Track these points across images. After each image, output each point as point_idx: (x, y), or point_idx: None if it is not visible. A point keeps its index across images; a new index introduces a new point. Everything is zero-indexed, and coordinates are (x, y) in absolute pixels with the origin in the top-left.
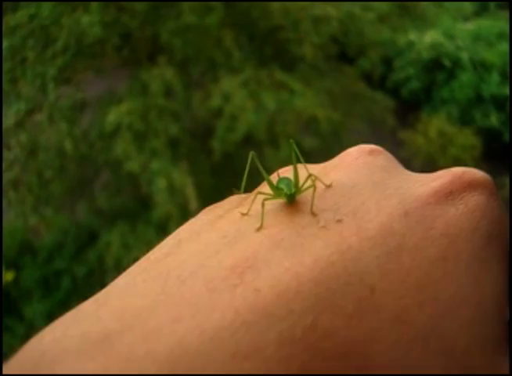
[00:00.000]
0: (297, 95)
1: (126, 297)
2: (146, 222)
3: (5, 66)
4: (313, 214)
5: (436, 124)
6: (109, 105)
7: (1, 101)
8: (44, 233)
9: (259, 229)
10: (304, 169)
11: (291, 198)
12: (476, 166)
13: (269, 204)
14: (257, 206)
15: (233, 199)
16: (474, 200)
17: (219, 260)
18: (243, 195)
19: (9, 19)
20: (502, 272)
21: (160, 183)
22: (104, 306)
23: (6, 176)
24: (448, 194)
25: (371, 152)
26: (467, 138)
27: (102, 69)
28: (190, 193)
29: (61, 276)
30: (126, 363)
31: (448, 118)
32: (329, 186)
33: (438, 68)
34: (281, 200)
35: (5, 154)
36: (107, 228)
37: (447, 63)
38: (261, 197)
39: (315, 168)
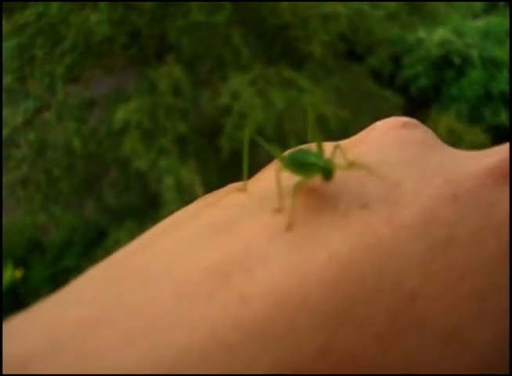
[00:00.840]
0: (306, 93)
1: (67, 307)
2: (154, 220)
3: (14, 64)
4: (331, 197)
5: (445, 121)
6: (117, 103)
7: (1, 103)
8: (52, 230)
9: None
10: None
11: (329, 174)
12: None
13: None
14: (262, 185)
15: (232, 185)
16: None
17: (197, 257)
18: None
19: (18, 18)
20: None
21: (169, 181)
22: (37, 319)
23: (15, 174)
24: (505, 175)
25: (404, 125)
26: (477, 135)
27: (111, 67)
28: (198, 191)
29: (70, 274)
30: None
31: (457, 116)
32: (351, 164)
33: (447, 65)
34: (304, 181)
35: (14, 152)
36: (116, 226)
37: (456, 60)
38: (267, 177)
39: (330, 146)
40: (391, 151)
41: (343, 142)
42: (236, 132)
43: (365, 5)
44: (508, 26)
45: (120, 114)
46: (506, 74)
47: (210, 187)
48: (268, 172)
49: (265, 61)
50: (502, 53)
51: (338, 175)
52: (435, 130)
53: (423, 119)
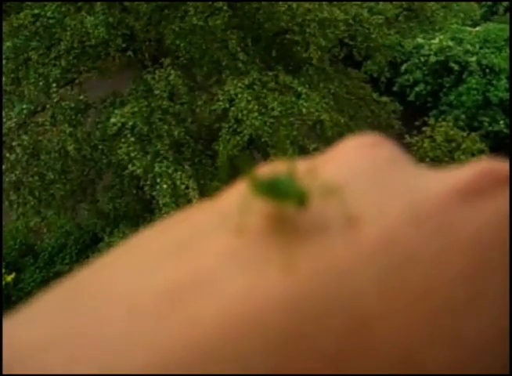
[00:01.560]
0: (303, 99)
1: (19, 327)
2: (149, 224)
3: (8, 66)
4: (291, 218)
5: (443, 128)
6: (112, 107)
7: (1, 103)
8: (45, 234)
9: (226, 231)
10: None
11: (303, 199)
12: None
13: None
14: (227, 203)
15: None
16: (507, 200)
17: (151, 279)
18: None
19: (13, 19)
20: None
21: (164, 186)
22: None
23: (8, 178)
24: (477, 192)
25: (373, 143)
26: (475, 143)
27: (106, 70)
28: (194, 195)
29: (62, 278)
30: None
31: (455, 123)
32: (322, 190)
33: (446, 72)
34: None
35: (7, 156)
36: (110, 230)
37: (455, 67)
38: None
39: (301, 164)
40: (357, 171)
41: (312, 160)
42: (232, 137)
43: (364, 11)
44: (508, 33)
45: (116, 118)
46: (504, 81)
47: (205, 192)
48: (235, 190)
49: (261, 66)
50: (501, 60)
51: None
52: (433, 137)
53: (421, 126)
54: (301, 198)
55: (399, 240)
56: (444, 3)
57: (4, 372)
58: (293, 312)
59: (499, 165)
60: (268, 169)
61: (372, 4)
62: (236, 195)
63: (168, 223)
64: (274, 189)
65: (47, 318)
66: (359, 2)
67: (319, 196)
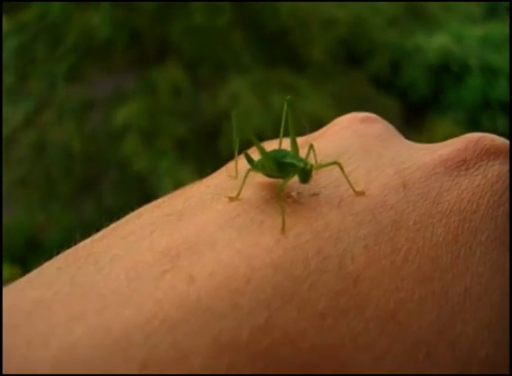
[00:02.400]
0: (305, 97)
1: (26, 288)
2: None
3: (15, 63)
4: (283, 187)
5: (443, 128)
6: (117, 104)
7: (1, 103)
8: (50, 230)
9: (218, 202)
10: (286, 143)
11: (308, 175)
12: None
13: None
14: (222, 177)
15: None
16: (495, 170)
17: (151, 242)
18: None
19: (19, 17)
20: None
21: (168, 183)
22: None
23: (14, 174)
24: (461, 163)
25: (364, 119)
26: None
27: (111, 68)
28: None
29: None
30: None
31: (455, 122)
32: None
33: (446, 72)
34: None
35: (14, 152)
36: None
37: (455, 67)
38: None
39: (300, 142)
40: (348, 144)
41: (306, 137)
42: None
43: (365, 11)
44: (507, 33)
45: (120, 115)
46: (504, 81)
47: None
48: (228, 168)
49: (264, 65)
50: (500, 61)
51: None
52: (433, 136)
53: (420, 125)
54: (305, 173)
55: (386, 205)
56: (444, 3)
57: (8, 330)
58: (285, 271)
59: (484, 138)
60: (268, 147)
61: (373, 3)
62: (230, 172)
63: (165, 198)
64: (281, 165)
65: (52, 278)
66: (361, 2)
67: (327, 162)
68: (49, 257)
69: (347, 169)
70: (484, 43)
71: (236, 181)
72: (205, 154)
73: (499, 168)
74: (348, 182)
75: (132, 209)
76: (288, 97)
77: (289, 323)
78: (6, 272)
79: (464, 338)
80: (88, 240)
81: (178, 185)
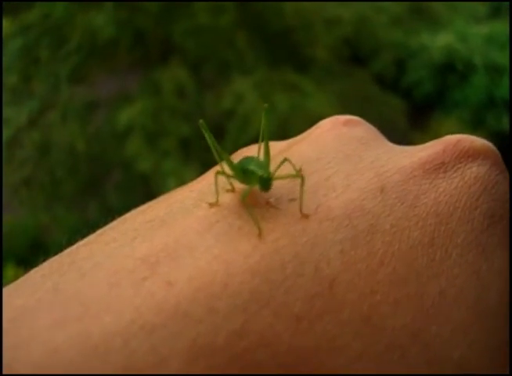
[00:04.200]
0: (309, 97)
1: (12, 295)
2: None
3: (19, 64)
4: (263, 193)
5: (448, 126)
6: (121, 105)
7: (1, 104)
8: (55, 231)
9: (197, 208)
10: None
11: (267, 184)
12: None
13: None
14: (204, 183)
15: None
16: (473, 172)
17: (132, 249)
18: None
19: (23, 18)
20: (507, 261)
21: (172, 183)
22: None
23: (18, 174)
24: (439, 166)
25: (346, 123)
26: None
27: (115, 69)
28: None
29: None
30: None
31: (460, 121)
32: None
33: (451, 71)
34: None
35: (18, 152)
36: None
37: (459, 65)
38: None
39: (278, 145)
40: (328, 148)
41: (288, 141)
42: (239, 135)
43: (370, 10)
44: (509, 28)
45: (124, 116)
46: (508, 79)
47: None
48: (212, 173)
49: (268, 65)
50: (505, 59)
51: (273, 171)
52: (438, 135)
53: (425, 124)
54: (264, 182)
55: (363, 209)
56: (449, 2)
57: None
58: (262, 275)
59: (463, 140)
60: (245, 152)
61: (377, 3)
62: (213, 176)
63: (151, 203)
64: (243, 172)
65: (36, 285)
66: (365, 1)
67: (286, 169)
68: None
69: (326, 173)
70: (489, 42)
71: (217, 185)
72: (209, 154)
73: (477, 169)
74: (301, 200)
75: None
76: (265, 105)
77: (265, 326)
78: (11, 272)
79: (439, 339)
80: (73, 247)
81: (182, 185)
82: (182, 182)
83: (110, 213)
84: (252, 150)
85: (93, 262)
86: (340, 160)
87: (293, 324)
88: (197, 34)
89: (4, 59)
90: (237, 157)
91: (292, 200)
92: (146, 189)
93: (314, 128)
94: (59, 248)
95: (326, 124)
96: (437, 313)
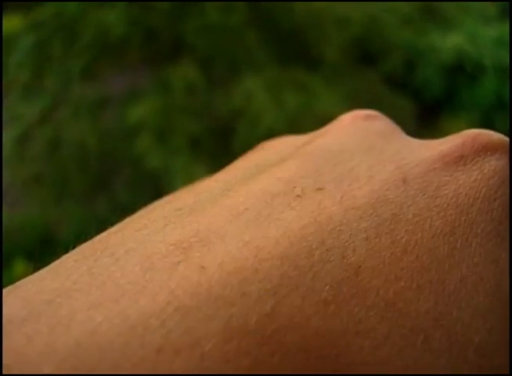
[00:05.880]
0: (319, 97)
1: (46, 278)
2: None
3: (31, 61)
4: (288, 181)
5: (456, 128)
6: (131, 102)
7: (1, 104)
8: (64, 226)
9: (222, 197)
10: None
11: None
12: None
13: (242, 170)
14: (232, 172)
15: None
16: (491, 165)
17: (164, 235)
18: None
19: (35, 15)
20: None
21: (181, 181)
22: (18, 291)
23: (29, 170)
24: (459, 159)
25: (367, 117)
26: None
27: (126, 66)
28: None
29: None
30: (17, 358)
31: (468, 123)
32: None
33: (460, 72)
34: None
35: (29, 149)
36: None
37: (469, 67)
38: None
39: (301, 138)
40: (351, 140)
41: (311, 134)
42: (248, 134)
43: (379, 10)
44: (509, 29)
45: (135, 113)
46: None
47: None
48: (240, 162)
49: (278, 63)
50: None
51: (297, 161)
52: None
53: (434, 125)
54: None
55: (386, 199)
56: (459, 2)
57: (26, 321)
58: (290, 261)
59: (482, 134)
60: (267, 146)
61: (388, 3)
62: (241, 166)
63: (177, 194)
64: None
65: (71, 269)
66: (375, 1)
67: (311, 159)
68: (66, 251)
69: (350, 164)
70: (500, 43)
71: (243, 176)
72: (219, 152)
73: (495, 163)
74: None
75: (146, 206)
76: None
77: (294, 310)
78: (20, 267)
79: (460, 324)
80: (103, 234)
81: (192, 183)
82: (191, 179)
83: (120, 209)
84: (272, 144)
85: (126, 247)
86: (362, 152)
87: (322, 308)
88: (208, 32)
89: (16, 55)
90: (259, 150)
91: (318, 188)
92: (155, 187)
93: (335, 122)
94: (70, 244)
95: (346, 118)
96: (458, 299)
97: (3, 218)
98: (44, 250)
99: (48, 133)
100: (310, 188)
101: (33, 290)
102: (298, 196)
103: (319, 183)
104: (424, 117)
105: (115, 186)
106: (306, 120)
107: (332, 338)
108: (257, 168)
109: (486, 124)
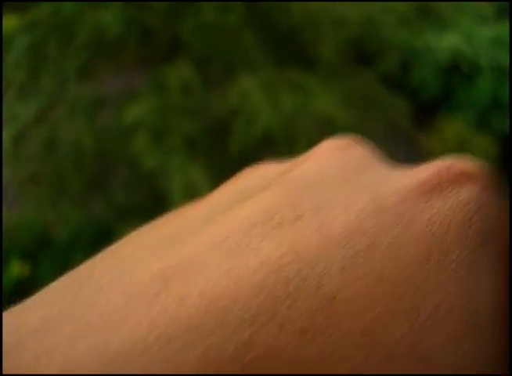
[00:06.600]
0: (315, 97)
1: (35, 306)
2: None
3: (26, 60)
4: (268, 209)
5: (453, 128)
6: (127, 102)
7: (1, 105)
8: (60, 226)
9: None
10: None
11: None
12: (493, 172)
13: (225, 198)
14: (214, 199)
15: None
16: (466, 193)
17: (148, 263)
18: None
19: (31, 15)
20: (501, 279)
21: (177, 181)
22: (8, 317)
23: (25, 170)
24: (434, 187)
25: (347, 145)
26: (484, 143)
27: (122, 66)
28: (207, 190)
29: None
30: None
31: (465, 123)
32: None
33: (456, 72)
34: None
35: (25, 148)
36: (123, 223)
37: (465, 67)
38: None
39: (282, 166)
40: (330, 169)
41: (292, 161)
42: (245, 134)
43: (376, 10)
44: (508, 30)
45: (131, 113)
46: None
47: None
48: (225, 188)
49: (275, 64)
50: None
51: (278, 190)
52: (443, 136)
53: (430, 125)
54: None
55: (362, 229)
56: (456, 2)
57: (13, 352)
58: (268, 291)
59: (457, 162)
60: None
61: (384, 3)
62: (226, 193)
63: (164, 219)
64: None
65: (57, 297)
66: (372, 2)
67: (290, 187)
68: (62, 252)
69: (328, 193)
70: (496, 44)
71: (227, 203)
72: (215, 152)
73: (470, 190)
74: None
75: (142, 207)
76: None
77: (271, 339)
78: (16, 268)
79: (434, 350)
80: (89, 261)
81: (188, 183)
82: (188, 179)
83: (116, 210)
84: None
85: (110, 276)
86: (340, 181)
87: (298, 337)
88: (204, 32)
89: (12, 55)
90: (243, 175)
91: (297, 217)
92: (152, 187)
93: (314, 150)
94: (66, 244)
95: (326, 145)
96: (432, 325)
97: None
98: (40, 250)
99: (44, 133)
100: (289, 217)
101: (21, 318)
102: (278, 224)
103: (297, 212)
104: (421, 116)
105: (111, 186)
106: (302, 120)
107: (308, 366)
108: (240, 195)
109: (482, 123)
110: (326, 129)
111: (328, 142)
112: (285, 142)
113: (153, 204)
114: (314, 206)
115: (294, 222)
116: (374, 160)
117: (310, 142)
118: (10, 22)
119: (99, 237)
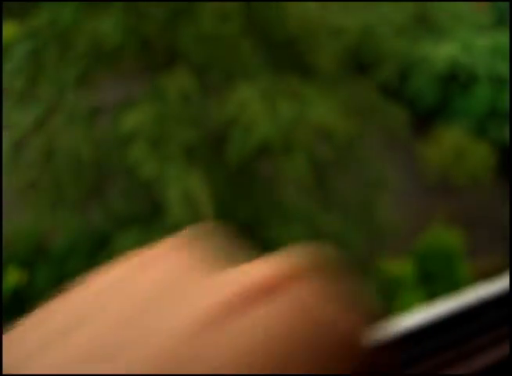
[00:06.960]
0: (312, 106)
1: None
2: (158, 227)
3: (25, 68)
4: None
5: (451, 136)
6: (126, 110)
7: (1, 110)
8: (58, 235)
9: None
10: None
11: None
12: (490, 179)
13: None
14: None
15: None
16: (293, 296)
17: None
18: None
19: (31, 22)
20: None
21: (175, 190)
22: None
23: (23, 178)
24: (257, 293)
25: (182, 246)
26: (482, 151)
27: (121, 74)
28: (204, 199)
29: (74, 277)
30: None
31: (462, 131)
32: None
33: (453, 81)
34: None
35: (23, 157)
36: (120, 232)
37: (462, 76)
38: None
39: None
40: (161, 282)
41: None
42: (242, 143)
43: (373, 20)
44: (509, 36)
45: (129, 121)
46: None
47: (216, 196)
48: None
49: (272, 72)
50: (508, 70)
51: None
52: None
53: (429, 133)
54: None
55: (175, 354)
56: (453, 11)
57: None
58: None
59: (288, 264)
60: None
61: (381, 12)
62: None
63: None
64: None
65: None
66: (369, 11)
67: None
68: (59, 262)
69: (147, 318)
70: (493, 52)
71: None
72: (213, 161)
73: (299, 292)
74: None
75: (140, 216)
76: None
77: None
78: (15, 276)
79: None
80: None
81: (186, 192)
82: (185, 188)
83: (114, 218)
84: None
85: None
86: (165, 297)
87: None
88: (202, 41)
89: (11, 63)
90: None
91: (114, 356)
92: (149, 195)
93: (157, 250)
94: (63, 252)
95: (165, 247)
96: None
97: None
98: (37, 259)
99: (42, 141)
100: (109, 352)
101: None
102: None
103: (115, 348)
104: (418, 125)
105: (109, 194)
106: (300, 129)
107: None
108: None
109: (479, 132)
110: (325, 138)
111: (168, 242)
112: (282, 152)
113: (150, 213)
114: (130, 338)
115: (111, 360)
116: (198, 265)
117: (307, 152)
118: (9, 30)
119: (97, 246)
